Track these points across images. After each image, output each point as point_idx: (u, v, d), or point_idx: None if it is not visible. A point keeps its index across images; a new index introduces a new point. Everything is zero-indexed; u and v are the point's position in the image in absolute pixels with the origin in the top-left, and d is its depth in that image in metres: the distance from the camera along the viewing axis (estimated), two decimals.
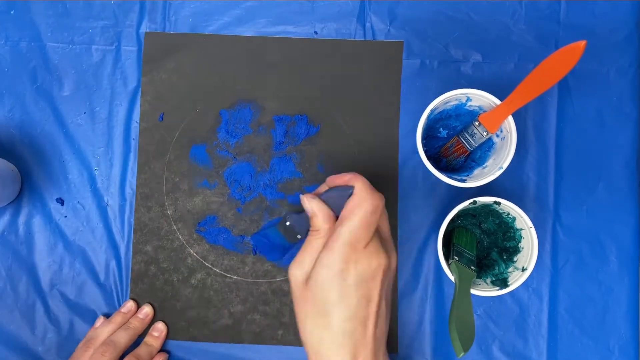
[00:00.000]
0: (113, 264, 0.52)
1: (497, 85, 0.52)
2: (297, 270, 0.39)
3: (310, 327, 0.38)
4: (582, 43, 0.38)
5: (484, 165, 0.48)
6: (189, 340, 0.51)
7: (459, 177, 0.47)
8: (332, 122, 0.53)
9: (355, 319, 0.37)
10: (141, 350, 0.49)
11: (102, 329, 0.49)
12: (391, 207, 0.52)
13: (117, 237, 0.52)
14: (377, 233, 0.39)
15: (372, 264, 0.37)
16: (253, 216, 0.52)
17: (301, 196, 0.40)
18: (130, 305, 0.51)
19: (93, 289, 0.52)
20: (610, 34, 0.53)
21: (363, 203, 0.37)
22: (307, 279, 0.38)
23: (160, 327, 0.51)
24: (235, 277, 0.52)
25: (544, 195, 0.52)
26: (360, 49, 0.53)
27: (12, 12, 0.53)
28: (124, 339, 0.49)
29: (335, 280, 0.37)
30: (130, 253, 0.52)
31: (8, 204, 0.52)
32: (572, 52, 0.38)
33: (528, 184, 0.52)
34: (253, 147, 0.53)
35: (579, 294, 0.51)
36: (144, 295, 0.52)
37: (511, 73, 0.52)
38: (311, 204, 0.39)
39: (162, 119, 0.53)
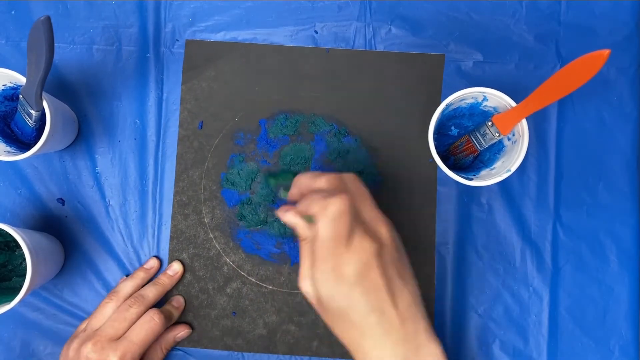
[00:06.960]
0: (114, 263, 0.52)
1: (498, 85, 0.52)
2: (306, 285, 0.39)
3: (339, 331, 0.39)
4: (606, 52, 0.37)
5: (492, 167, 0.48)
6: (223, 349, 0.51)
7: (465, 176, 0.47)
8: (370, 136, 0.52)
9: (373, 311, 0.37)
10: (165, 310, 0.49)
11: (125, 284, 0.49)
12: (429, 227, 0.52)
13: (118, 236, 0.52)
14: (359, 219, 0.38)
15: (362, 257, 0.37)
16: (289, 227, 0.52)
17: (277, 212, 0.40)
18: (153, 262, 0.51)
19: (94, 289, 0.52)
20: (610, 34, 0.53)
21: (326, 210, 0.37)
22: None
23: (178, 299, 0.51)
24: (270, 287, 0.52)
25: (544, 195, 0.52)
26: (399, 60, 0.53)
27: (12, 12, 0.53)
28: (152, 293, 0.48)
29: (337, 290, 0.37)
30: (134, 254, 0.52)
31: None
32: (594, 60, 0.38)
33: (528, 184, 0.52)
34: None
35: (580, 294, 0.51)
36: None
37: (512, 73, 0.52)
38: (288, 217, 0.39)
39: (202, 127, 0.53)
